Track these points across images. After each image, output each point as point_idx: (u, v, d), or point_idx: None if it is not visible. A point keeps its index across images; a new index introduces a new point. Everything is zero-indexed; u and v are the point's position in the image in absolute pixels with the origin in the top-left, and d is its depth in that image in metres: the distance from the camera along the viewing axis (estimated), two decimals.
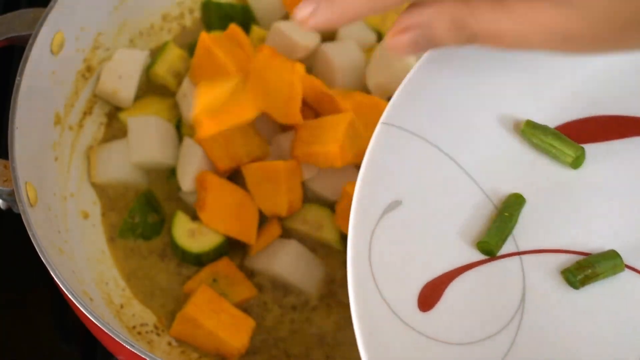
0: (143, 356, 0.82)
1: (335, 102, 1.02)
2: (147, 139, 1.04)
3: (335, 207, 1.01)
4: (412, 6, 0.66)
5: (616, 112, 0.78)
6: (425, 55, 0.75)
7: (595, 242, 0.74)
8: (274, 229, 1.01)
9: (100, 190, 1.06)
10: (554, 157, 0.76)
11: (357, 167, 0.95)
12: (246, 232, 1.00)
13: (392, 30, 0.65)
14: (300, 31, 1.09)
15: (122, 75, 1.06)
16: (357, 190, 0.71)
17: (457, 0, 0.63)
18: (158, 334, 0.99)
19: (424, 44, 0.65)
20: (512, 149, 0.77)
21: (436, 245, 0.72)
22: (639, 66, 0.78)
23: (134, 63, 1.07)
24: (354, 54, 1.09)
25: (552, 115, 0.77)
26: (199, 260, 1.01)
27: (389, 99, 0.83)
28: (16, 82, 0.94)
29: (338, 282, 1.01)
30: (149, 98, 1.09)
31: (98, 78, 1.08)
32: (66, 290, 0.85)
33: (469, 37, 0.63)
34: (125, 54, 1.07)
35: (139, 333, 0.98)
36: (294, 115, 1.00)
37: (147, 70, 1.09)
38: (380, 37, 1.13)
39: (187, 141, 1.04)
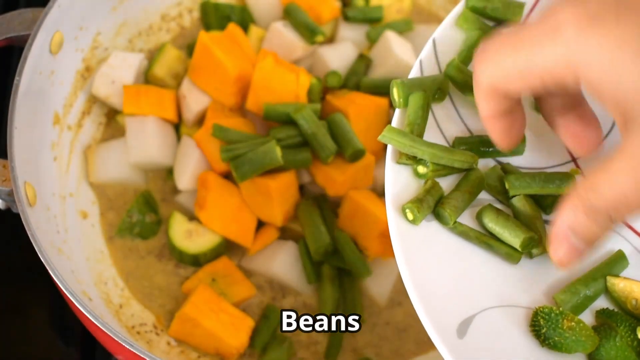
0: (142, 356, 0.82)
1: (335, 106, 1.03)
2: (146, 139, 1.04)
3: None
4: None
5: None
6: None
7: None
8: (272, 232, 1.01)
9: (99, 189, 1.06)
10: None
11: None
12: (243, 235, 1.01)
13: (549, 242, 0.68)
14: (298, 31, 1.09)
15: (115, 80, 1.06)
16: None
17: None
18: (157, 334, 0.99)
19: (584, 247, 0.67)
20: None
21: None
22: None
23: (128, 68, 1.07)
24: (350, 56, 1.09)
25: None
26: (196, 261, 1.01)
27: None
28: (15, 82, 0.94)
29: None
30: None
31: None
32: (65, 290, 0.85)
33: (606, 220, 0.64)
34: (119, 58, 1.07)
35: (138, 333, 0.98)
36: None
37: (146, 72, 1.09)
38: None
39: (186, 141, 1.04)
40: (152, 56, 1.12)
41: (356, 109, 1.02)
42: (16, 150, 0.91)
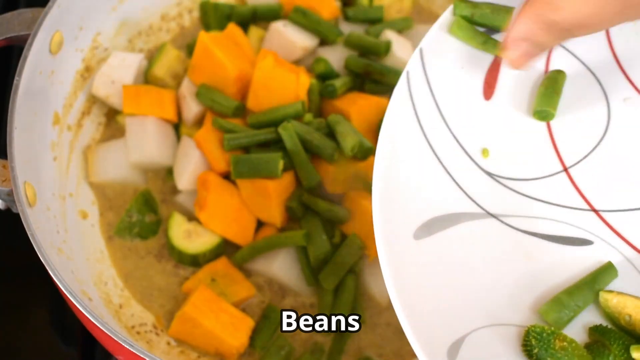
0: (142, 356, 0.82)
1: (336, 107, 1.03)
2: (145, 139, 1.04)
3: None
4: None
5: None
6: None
7: None
8: (271, 233, 1.01)
9: (99, 189, 1.06)
10: None
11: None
12: (243, 235, 1.01)
13: (503, 47, 0.75)
14: (299, 32, 1.09)
15: (115, 80, 1.06)
16: None
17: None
18: (157, 334, 0.99)
19: (535, 51, 0.74)
20: None
21: None
22: None
23: (128, 68, 1.07)
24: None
25: None
26: (196, 261, 1.01)
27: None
28: (15, 82, 0.94)
29: None
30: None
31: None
32: (65, 290, 0.85)
33: (562, 33, 0.72)
34: (119, 58, 1.07)
35: (138, 333, 0.98)
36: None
37: (145, 72, 1.09)
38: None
39: (185, 141, 1.04)
40: (152, 56, 1.12)
41: (358, 109, 1.03)
42: (16, 150, 0.91)
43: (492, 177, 0.78)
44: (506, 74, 0.80)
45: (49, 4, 0.98)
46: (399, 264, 0.69)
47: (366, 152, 0.99)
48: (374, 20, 1.13)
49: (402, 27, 1.13)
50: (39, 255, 0.86)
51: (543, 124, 0.79)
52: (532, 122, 0.79)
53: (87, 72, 1.07)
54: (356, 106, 1.03)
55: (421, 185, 0.74)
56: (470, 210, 0.75)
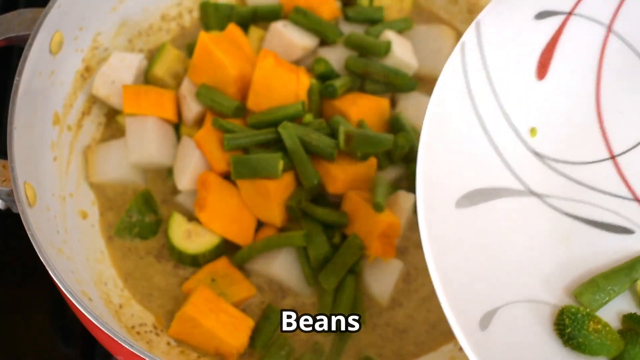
0: (142, 356, 0.82)
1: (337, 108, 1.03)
2: (145, 138, 1.04)
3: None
4: None
5: None
6: None
7: None
8: (271, 233, 1.01)
9: (99, 189, 1.06)
10: None
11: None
12: (243, 235, 1.00)
13: None
14: (299, 32, 1.09)
15: (116, 80, 1.06)
16: None
17: None
18: (157, 334, 0.99)
19: None
20: None
21: None
22: None
23: (128, 68, 1.07)
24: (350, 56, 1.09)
25: None
26: (196, 261, 1.01)
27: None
28: (15, 82, 0.94)
29: None
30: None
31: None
32: (65, 290, 0.85)
33: None
34: (119, 59, 1.07)
35: (138, 333, 0.98)
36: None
37: (146, 72, 1.09)
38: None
39: (185, 141, 1.04)
40: (152, 56, 1.12)
41: (358, 109, 1.03)
42: (16, 151, 0.91)
43: (538, 157, 0.78)
44: (560, 56, 0.79)
45: (49, 4, 0.98)
46: (439, 229, 0.69)
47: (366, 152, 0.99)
48: (374, 21, 1.13)
49: (402, 27, 1.13)
50: (39, 255, 0.86)
51: (593, 110, 0.79)
52: (582, 107, 0.79)
53: (87, 72, 1.07)
54: (356, 106, 1.03)
55: (467, 155, 0.75)
56: (513, 187, 0.75)
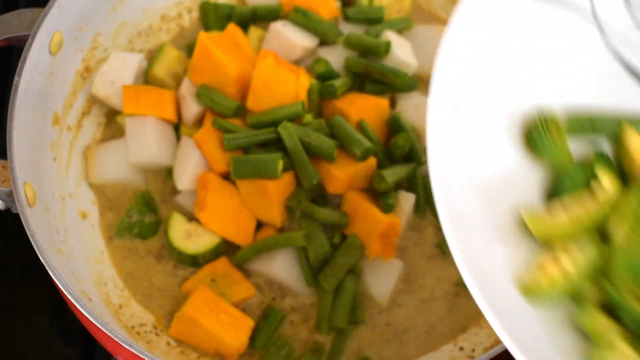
0: (142, 356, 0.82)
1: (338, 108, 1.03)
2: (145, 139, 1.04)
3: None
4: None
5: None
6: None
7: None
8: (271, 233, 1.01)
9: (99, 190, 1.06)
10: None
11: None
12: (243, 235, 1.00)
13: None
14: (298, 32, 1.09)
15: (115, 80, 1.06)
16: None
17: None
18: (157, 334, 0.99)
19: None
20: None
21: None
22: None
23: (128, 68, 1.07)
24: (350, 56, 1.09)
25: None
26: (195, 262, 1.01)
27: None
28: (14, 82, 0.94)
29: None
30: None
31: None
32: (65, 290, 0.85)
33: None
34: (119, 59, 1.07)
35: (138, 333, 0.98)
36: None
37: (145, 72, 1.09)
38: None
39: (185, 141, 1.04)
40: (152, 56, 1.12)
41: (358, 109, 1.03)
42: (16, 151, 0.91)
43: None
44: None
45: (49, 4, 0.98)
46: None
47: (368, 152, 0.99)
48: (374, 21, 1.12)
49: (402, 27, 1.13)
50: (39, 255, 0.86)
51: None
52: None
53: (87, 72, 1.07)
54: (356, 106, 1.03)
55: None
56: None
